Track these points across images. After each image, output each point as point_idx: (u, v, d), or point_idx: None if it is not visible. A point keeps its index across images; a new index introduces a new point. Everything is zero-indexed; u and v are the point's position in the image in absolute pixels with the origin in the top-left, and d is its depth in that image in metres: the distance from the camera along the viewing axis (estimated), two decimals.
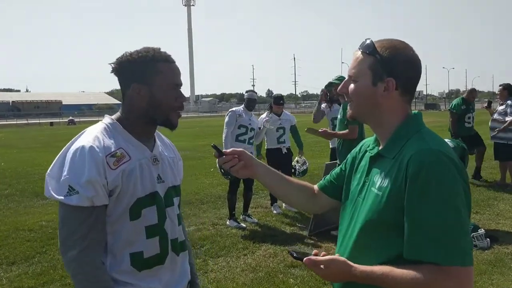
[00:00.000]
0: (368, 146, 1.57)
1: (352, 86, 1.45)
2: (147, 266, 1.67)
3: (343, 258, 1.35)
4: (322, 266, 1.34)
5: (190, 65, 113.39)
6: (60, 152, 1.61)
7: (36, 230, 6.21)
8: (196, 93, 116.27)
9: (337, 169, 1.72)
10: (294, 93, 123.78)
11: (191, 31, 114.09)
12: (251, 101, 6.59)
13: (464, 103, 8.88)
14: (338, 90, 1.53)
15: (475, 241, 5.11)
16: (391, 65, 1.38)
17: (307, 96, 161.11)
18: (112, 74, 1.70)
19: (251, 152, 6.35)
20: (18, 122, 50.61)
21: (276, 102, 7.14)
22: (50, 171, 1.59)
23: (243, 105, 6.70)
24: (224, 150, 1.69)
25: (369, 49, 1.41)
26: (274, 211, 6.92)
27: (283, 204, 7.21)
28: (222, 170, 6.17)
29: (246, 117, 6.50)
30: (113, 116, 1.74)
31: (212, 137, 20.75)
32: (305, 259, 1.36)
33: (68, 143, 1.62)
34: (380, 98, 1.41)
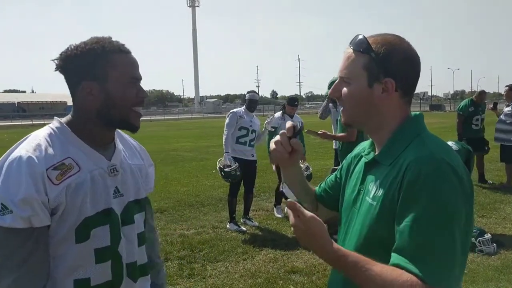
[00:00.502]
0: (364, 151, 1.43)
1: (345, 89, 1.29)
2: None
3: (325, 227, 1.17)
4: (299, 216, 1.16)
5: (195, 66, 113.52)
6: None
7: None
8: (201, 94, 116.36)
9: (332, 177, 1.60)
10: (298, 94, 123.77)
11: (195, 32, 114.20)
12: (252, 102, 6.46)
13: (472, 105, 8.75)
14: (329, 94, 1.37)
15: (481, 246, 4.98)
16: (388, 63, 1.23)
17: (311, 97, 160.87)
18: (58, 72, 1.44)
19: (252, 155, 6.32)
20: (23, 123, 50.76)
21: (291, 103, 6.97)
22: None
23: (244, 106, 6.55)
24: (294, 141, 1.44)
25: (362, 47, 1.25)
26: (277, 214, 6.76)
27: (286, 208, 7.08)
28: (223, 173, 6.08)
29: (247, 119, 6.37)
30: (63, 119, 1.48)
31: (216, 138, 20.69)
32: (289, 200, 1.21)
33: (7, 151, 1.37)
34: (377, 101, 1.25)
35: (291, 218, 1.19)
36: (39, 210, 1.31)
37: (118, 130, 1.58)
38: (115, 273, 1.47)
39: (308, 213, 1.16)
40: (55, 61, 1.44)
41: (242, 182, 6.39)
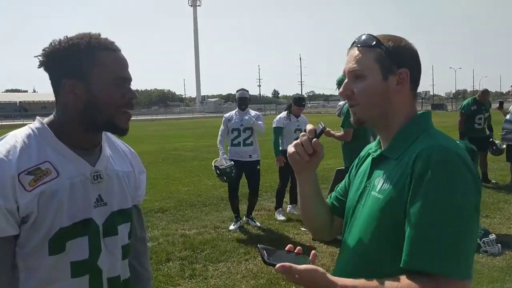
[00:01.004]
0: (371, 149, 1.42)
1: (360, 84, 1.27)
2: None
3: (322, 270, 1.16)
4: (296, 275, 1.15)
5: (196, 66, 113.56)
6: None
7: None
8: (202, 93, 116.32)
9: (342, 184, 1.56)
10: (300, 93, 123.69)
11: (197, 31, 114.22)
12: (241, 100, 6.37)
13: (475, 104, 8.67)
14: (340, 93, 1.34)
15: (485, 246, 4.92)
16: (400, 55, 1.25)
17: (313, 96, 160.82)
18: (42, 69, 1.35)
19: (249, 155, 6.24)
20: (25, 122, 50.59)
21: (298, 103, 6.82)
22: None
23: (236, 107, 6.49)
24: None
25: (371, 42, 1.26)
26: (278, 218, 6.66)
27: (288, 207, 7.04)
28: (218, 172, 6.04)
29: (237, 119, 6.30)
30: (45, 120, 1.37)
31: (217, 138, 20.58)
32: (277, 265, 1.15)
33: None
34: (391, 94, 1.26)
35: (288, 277, 1.18)
36: (3, 218, 1.20)
37: (107, 133, 1.48)
38: None
39: (301, 267, 1.15)
40: (39, 57, 1.33)
41: (241, 182, 6.36)
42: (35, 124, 1.36)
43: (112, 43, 1.37)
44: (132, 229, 1.54)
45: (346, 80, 1.31)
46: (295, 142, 1.37)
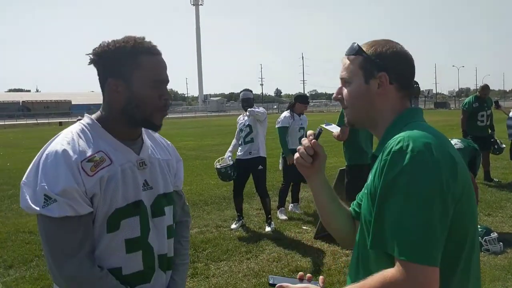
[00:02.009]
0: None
1: (346, 90, 1.40)
2: (127, 284, 1.48)
3: (315, 287, 1.27)
4: None
5: (198, 65, 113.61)
6: (35, 157, 1.44)
7: (36, 233, 6.09)
8: (205, 92, 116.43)
9: (362, 191, 1.56)
10: (303, 92, 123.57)
11: (199, 30, 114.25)
12: (244, 101, 6.32)
13: (477, 101, 8.60)
14: (333, 97, 1.48)
15: (487, 245, 4.91)
16: (380, 60, 1.33)
17: (315, 95, 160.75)
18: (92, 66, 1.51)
19: (249, 152, 6.20)
20: (28, 122, 50.95)
21: (304, 101, 6.80)
22: (25, 179, 1.41)
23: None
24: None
25: (354, 51, 1.37)
26: (280, 217, 6.65)
27: (289, 206, 7.04)
28: (221, 170, 6.04)
29: (242, 120, 6.35)
30: (93, 116, 1.55)
31: (219, 137, 20.74)
32: (277, 285, 1.27)
33: (43, 147, 1.45)
34: (375, 97, 1.34)
35: None
36: (80, 199, 1.38)
37: None
38: (146, 263, 1.53)
39: (297, 286, 1.26)
40: (90, 55, 1.48)
41: (245, 181, 6.37)
42: (85, 120, 1.54)
43: (154, 47, 1.51)
44: (175, 213, 1.70)
45: (339, 86, 1.43)
46: (299, 147, 1.45)
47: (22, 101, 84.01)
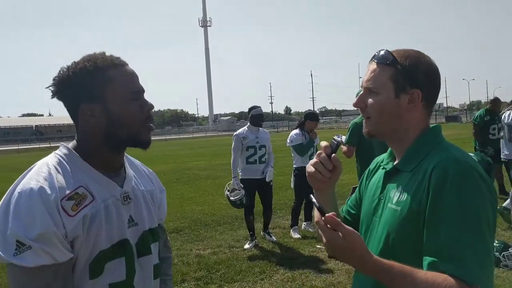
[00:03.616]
0: (382, 162, 1.44)
1: (371, 100, 1.32)
2: None
3: (362, 238, 1.12)
4: (340, 233, 1.09)
5: (208, 85, 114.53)
6: (4, 196, 1.23)
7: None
8: (215, 112, 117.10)
9: (353, 197, 1.57)
10: (312, 109, 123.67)
11: (208, 51, 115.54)
12: (258, 117, 6.30)
13: (488, 114, 8.53)
14: (354, 104, 1.39)
15: (505, 260, 4.80)
16: (414, 75, 1.27)
17: (325, 112, 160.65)
18: (55, 99, 1.34)
19: (263, 172, 6.22)
20: (41, 146, 51.44)
21: (314, 118, 6.79)
22: None
23: (247, 125, 6.40)
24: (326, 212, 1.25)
25: (388, 60, 1.29)
26: (294, 236, 6.57)
27: (303, 224, 6.99)
28: (229, 201, 6.05)
29: (252, 136, 6.25)
30: (70, 145, 1.37)
31: (230, 156, 20.63)
32: (327, 214, 1.09)
33: (13, 184, 1.25)
34: (403, 112, 1.29)
35: (327, 233, 1.10)
36: (59, 244, 1.20)
37: (126, 154, 1.50)
38: None
39: (348, 228, 1.10)
40: (50, 88, 1.33)
41: (257, 198, 6.34)
42: (62, 150, 1.36)
43: (118, 58, 1.36)
44: (159, 249, 1.56)
45: (361, 92, 1.35)
46: (313, 161, 1.37)
47: (35, 126, 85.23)
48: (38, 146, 51.15)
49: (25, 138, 65.53)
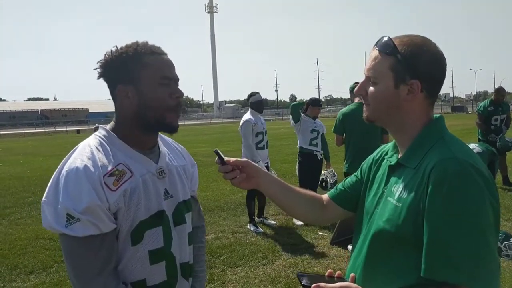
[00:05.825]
0: (387, 154, 1.43)
1: (371, 88, 1.31)
2: None
3: (355, 285, 1.18)
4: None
5: (214, 71, 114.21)
6: (53, 174, 1.39)
7: (55, 239, 6.19)
8: (220, 99, 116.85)
9: (352, 177, 1.57)
10: (318, 97, 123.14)
11: (214, 37, 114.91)
12: (261, 104, 6.44)
13: (492, 105, 8.48)
14: (355, 91, 1.40)
15: (507, 250, 4.84)
16: (415, 65, 1.24)
17: (331, 101, 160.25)
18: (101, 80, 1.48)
19: (266, 156, 6.31)
20: (46, 130, 51.72)
21: (316, 104, 6.89)
22: (45, 197, 1.36)
23: (249, 111, 6.41)
24: (226, 158, 1.48)
25: (388, 48, 1.26)
26: (296, 223, 6.64)
27: None
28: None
29: (259, 123, 6.33)
30: (108, 127, 1.51)
31: (235, 143, 20.72)
32: (313, 286, 1.17)
33: (61, 163, 1.40)
34: (402, 102, 1.27)
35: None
36: (104, 216, 1.35)
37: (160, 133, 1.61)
38: (169, 273, 1.51)
39: (335, 284, 1.16)
40: (97, 69, 1.46)
41: None
42: (101, 132, 1.49)
43: (159, 48, 1.49)
44: (192, 218, 1.69)
45: (363, 80, 1.35)
46: (221, 173, 1.48)
47: (41, 110, 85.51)
48: (43, 130, 51.45)
49: (31, 122, 65.81)
